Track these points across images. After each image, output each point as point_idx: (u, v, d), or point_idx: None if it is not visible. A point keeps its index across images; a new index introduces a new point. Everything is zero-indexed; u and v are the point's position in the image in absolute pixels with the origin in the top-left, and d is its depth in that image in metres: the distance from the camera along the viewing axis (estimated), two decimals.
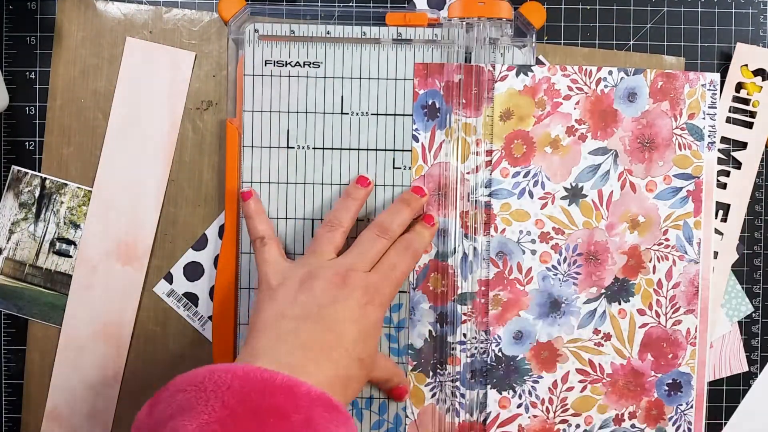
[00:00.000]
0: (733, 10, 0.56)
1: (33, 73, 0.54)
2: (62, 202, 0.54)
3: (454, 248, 0.52)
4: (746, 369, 0.55)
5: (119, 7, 0.54)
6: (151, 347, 0.54)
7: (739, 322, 0.56)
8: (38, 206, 0.54)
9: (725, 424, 0.56)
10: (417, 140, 0.52)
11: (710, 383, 0.56)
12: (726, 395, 0.56)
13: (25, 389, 0.54)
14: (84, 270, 0.54)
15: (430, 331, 0.53)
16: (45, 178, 0.54)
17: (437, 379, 0.53)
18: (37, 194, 0.54)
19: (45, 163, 0.54)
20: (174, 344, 0.54)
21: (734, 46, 0.55)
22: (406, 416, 0.53)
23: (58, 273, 0.54)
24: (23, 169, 0.54)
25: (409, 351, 0.53)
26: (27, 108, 0.54)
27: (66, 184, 0.54)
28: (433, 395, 0.53)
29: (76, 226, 0.54)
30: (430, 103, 0.52)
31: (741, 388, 0.56)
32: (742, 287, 0.55)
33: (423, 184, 0.52)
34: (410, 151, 0.53)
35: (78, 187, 0.54)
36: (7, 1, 0.54)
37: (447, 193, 0.52)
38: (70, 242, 0.54)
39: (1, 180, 0.54)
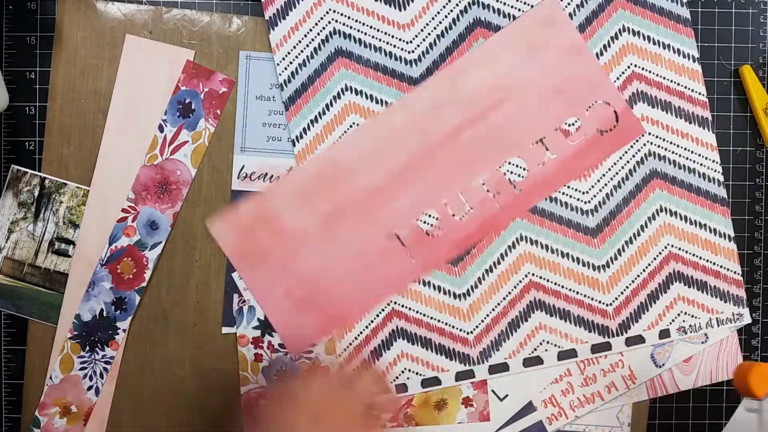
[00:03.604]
0: (733, 10, 0.56)
1: (33, 73, 0.54)
2: (61, 202, 0.54)
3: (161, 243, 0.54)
4: None
5: (119, 7, 0.54)
6: (150, 347, 0.54)
7: None
8: (37, 206, 0.54)
9: (725, 424, 0.56)
10: (162, 130, 0.53)
11: (710, 384, 0.56)
12: (726, 395, 0.56)
13: (25, 389, 0.54)
14: (81, 267, 0.54)
15: (102, 310, 0.53)
16: (44, 178, 0.54)
17: (92, 357, 0.53)
18: (36, 194, 0.54)
19: (45, 162, 0.54)
20: (174, 343, 0.54)
21: (734, 46, 0.55)
22: (50, 379, 0.54)
23: (57, 272, 0.54)
24: (23, 169, 0.54)
25: (74, 321, 0.53)
26: (27, 108, 0.54)
27: (65, 184, 0.54)
28: (82, 369, 0.54)
29: (76, 226, 0.54)
30: (187, 101, 0.53)
31: None
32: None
33: (153, 174, 0.53)
34: None
35: (77, 187, 0.54)
36: (7, 1, 0.54)
37: (171, 190, 0.53)
38: (69, 242, 0.54)
39: (1, 179, 0.54)
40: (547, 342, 0.54)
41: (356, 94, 0.53)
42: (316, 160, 0.53)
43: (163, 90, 0.53)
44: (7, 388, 0.55)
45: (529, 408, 0.54)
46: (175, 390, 0.54)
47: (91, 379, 0.54)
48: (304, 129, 0.53)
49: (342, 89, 0.53)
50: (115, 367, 0.54)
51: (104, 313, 0.54)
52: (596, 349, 0.54)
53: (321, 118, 0.53)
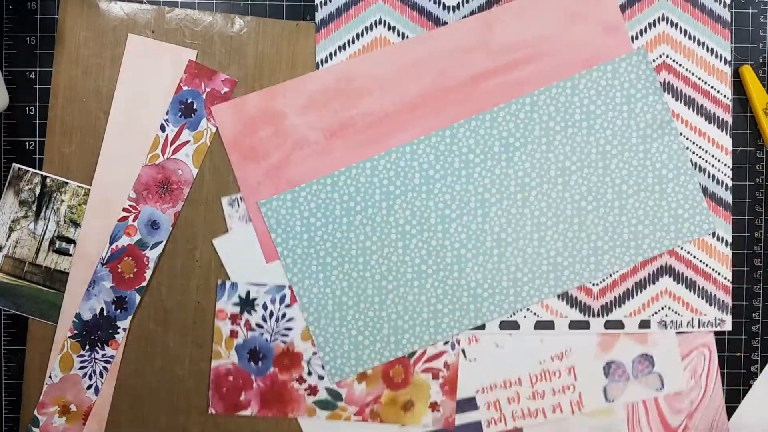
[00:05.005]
0: (733, 10, 0.56)
1: (33, 73, 0.54)
2: (62, 201, 0.54)
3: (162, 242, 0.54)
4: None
5: (122, 7, 0.54)
6: (151, 346, 0.54)
7: (740, 322, 0.56)
8: (38, 204, 0.54)
9: None
10: (163, 130, 0.53)
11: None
12: (726, 395, 0.56)
13: (24, 388, 0.54)
14: (82, 266, 0.54)
15: (102, 309, 0.53)
16: (45, 177, 0.54)
17: (92, 356, 0.53)
18: (37, 192, 0.54)
19: (46, 161, 0.54)
20: (174, 343, 0.54)
21: (734, 46, 0.56)
22: (50, 377, 0.54)
23: (57, 271, 0.54)
24: (24, 167, 0.54)
25: (75, 320, 0.53)
26: (27, 108, 0.54)
27: (66, 183, 0.54)
28: (82, 368, 0.54)
29: (77, 225, 0.54)
30: (189, 101, 0.53)
31: (741, 388, 0.56)
32: (742, 287, 0.56)
33: (155, 173, 0.53)
34: None
35: (78, 186, 0.54)
36: (7, 1, 0.54)
37: (172, 190, 0.53)
38: (70, 241, 0.54)
39: (2, 179, 0.54)
40: (527, 309, 0.54)
41: (389, 29, 0.53)
42: (333, 70, 0.53)
43: (165, 89, 0.53)
44: (7, 388, 0.55)
45: (471, 405, 0.54)
46: (175, 389, 0.54)
47: (90, 378, 0.54)
48: (330, 54, 0.53)
49: (376, 21, 0.53)
50: (115, 367, 0.54)
51: (104, 312, 0.53)
52: (574, 325, 0.54)
53: (349, 46, 0.53)
